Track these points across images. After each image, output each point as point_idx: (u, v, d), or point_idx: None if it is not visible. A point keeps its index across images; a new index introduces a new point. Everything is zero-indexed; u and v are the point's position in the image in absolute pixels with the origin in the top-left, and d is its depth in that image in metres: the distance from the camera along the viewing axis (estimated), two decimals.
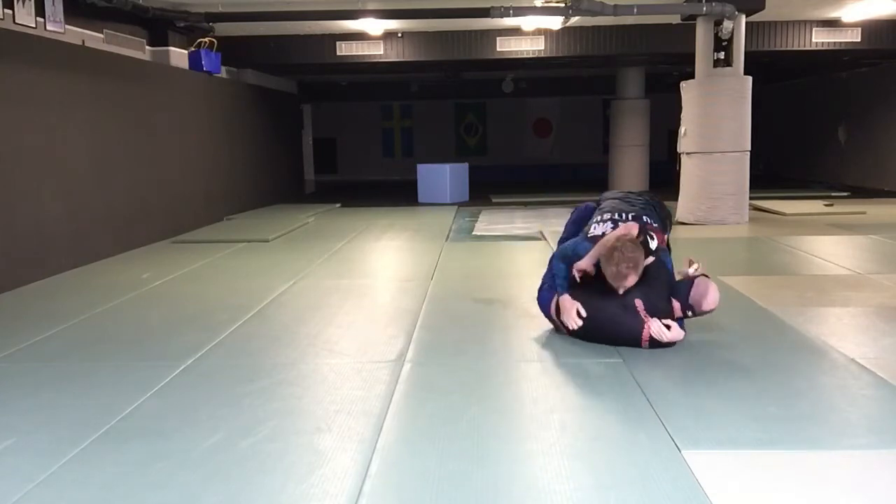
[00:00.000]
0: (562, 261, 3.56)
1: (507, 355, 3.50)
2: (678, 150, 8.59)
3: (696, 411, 2.71)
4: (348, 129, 18.64)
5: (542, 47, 10.45)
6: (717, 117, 8.09)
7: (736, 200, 8.25)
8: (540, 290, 3.80)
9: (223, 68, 10.18)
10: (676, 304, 3.41)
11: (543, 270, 3.91)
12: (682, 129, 8.43)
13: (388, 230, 8.32)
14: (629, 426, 2.61)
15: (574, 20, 9.00)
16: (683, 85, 8.45)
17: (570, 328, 3.45)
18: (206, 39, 9.16)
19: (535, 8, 8.24)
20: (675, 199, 8.75)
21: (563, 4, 7.81)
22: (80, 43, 6.81)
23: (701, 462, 2.30)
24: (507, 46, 10.49)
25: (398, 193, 13.23)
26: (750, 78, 8.16)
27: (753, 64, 9.68)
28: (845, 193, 11.55)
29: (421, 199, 11.79)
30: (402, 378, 3.17)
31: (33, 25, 6.13)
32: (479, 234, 7.93)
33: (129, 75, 7.24)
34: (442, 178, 11.70)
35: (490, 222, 8.94)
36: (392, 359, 3.45)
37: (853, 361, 3.27)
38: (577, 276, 3.48)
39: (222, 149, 9.65)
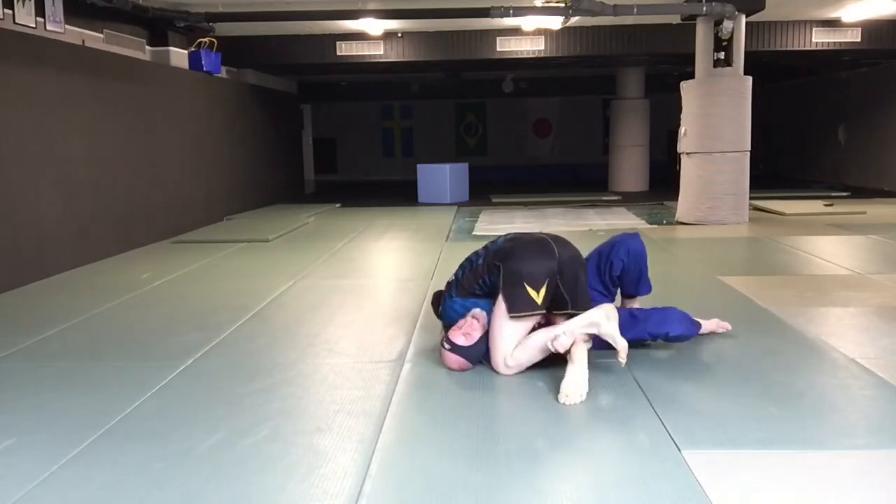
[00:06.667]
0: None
1: None
2: (678, 150, 8.59)
3: (696, 411, 2.71)
4: (348, 129, 18.63)
5: (542, 47, 10.44)
6: (717, 117, 8.09)
7: (736, 200, 8.25)
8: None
9: (223, 68, 10.18)
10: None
11: None
12: (682, 129, 8.43)
13: (388, 230, 8.32)
14: (629, 426, 2.61)
15: (574, 20, 9.00)
16: (683, 85, 8.45)
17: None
18: (206, 39, 9.16)
19: (535, 8, 8.24)
20: (676, 199, 8.77)
21: (563, 4, 7.81)
22: (80, 43, 6.81)
23: (701, 462, 2.30)
24: (507, 46, 10.49)
25: (398, 193, 13.23)
26: (750, 78, 8.16)
27: (753, 64, 9.68)
28: (845, 193, 11.54)
29: (421, 199, 11.79)
30: (402, 378, 3.17)
31: (33, 25, 6.13)
32: (479, 234, 7.93)
33: (129, 75, 7.24)
34: (442, 178, 11.70)
35: (490, 222, 8.94)
36: (392, 359, 3.45)
37: (853, 361, 3.27)
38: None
39: (222, 149, 9.65)
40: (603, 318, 3.02)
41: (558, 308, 3.17)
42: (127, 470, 2.34)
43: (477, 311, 3.29)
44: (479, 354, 3.22)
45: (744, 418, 2.64)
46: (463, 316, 3.32)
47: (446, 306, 3.42)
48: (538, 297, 3.08)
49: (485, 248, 3.39)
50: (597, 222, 8.70)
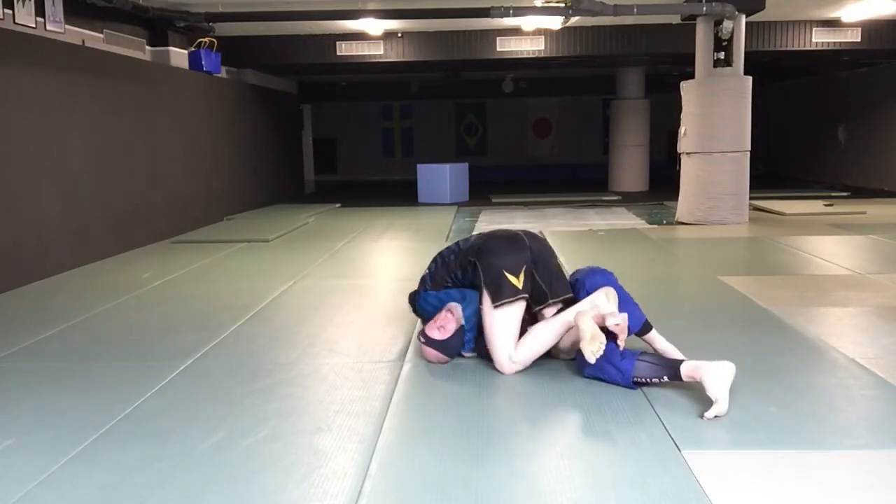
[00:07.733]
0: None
1: None
2: (678, 150, 8.59)
3: (696, 411, 2.71)
4: (348, 129, 18.63)
5: (542, 47, 10.45)
6: (717, 117, 8.09)
7: (736, 200, 8.25)
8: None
9: (223, 68, 10.18)
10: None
11: None
12: (682, 129, 8.43)
13: (388, 230, 8.32)
14: (629, 426, 2.61)
15: (574, 20, 9.00)
16: (683, 85, 8.45)
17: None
18: (206, 39, 9.16)
19: (535, 8, 8.24)
20: (676, 199, 8.77)
21: (563, 4, 7.81)
22: (80, 43, 6.81)
23: (701, 462, 2.30)
24: (507, 46, 10.49)
25: (398, 193, 13.23)
26: (750, 78, 8.16)
27: (753, 64, 9.68)
28: (845, 193, 11.55)
29: (421, 199, 11.80)
30: (402, 378, 3.17)
31: (33, 25, 6.13)
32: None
33: (129, 75, 7.23)
34: (442, 178, 11.70)
35: (490, 222, 8.94)
36: (392, 359, 3.45)
37: (853, 361, 3.27)
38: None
39: (222, 149, 9.65)
40: (602, 299, 3.09)
41: (540, 302, 3.23)
42: (127, 470, 2.34)
43: (452, 304, 3.34)
44: (456, 348, 3.30)
45: (744, 418, 2.64)
46: (438, 309, 3.38)
47: (420, 300, 3.49)
48: (519, 282, 3.14)
49: (457, 244, 3.47)
50: (597, 222, 8.71)
